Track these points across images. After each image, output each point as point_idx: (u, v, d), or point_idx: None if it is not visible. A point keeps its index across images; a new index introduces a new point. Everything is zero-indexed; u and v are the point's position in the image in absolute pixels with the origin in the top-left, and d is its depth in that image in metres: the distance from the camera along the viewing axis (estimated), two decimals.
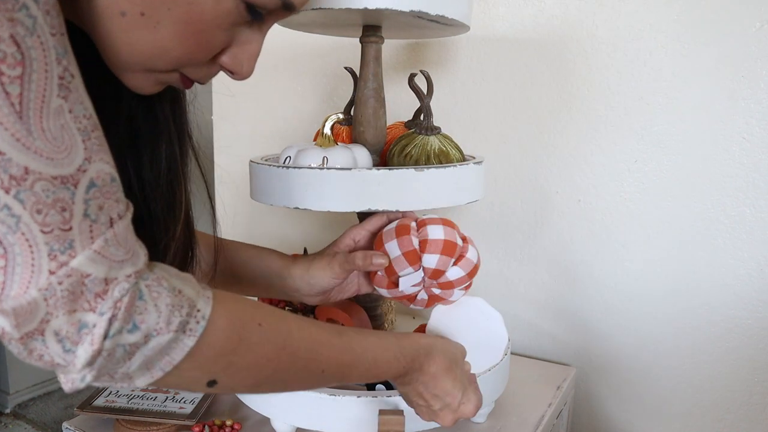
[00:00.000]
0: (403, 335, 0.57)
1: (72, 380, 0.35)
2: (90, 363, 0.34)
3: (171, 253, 0.54)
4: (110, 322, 0.33)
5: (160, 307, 0.36)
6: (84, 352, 0.33)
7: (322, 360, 0.47)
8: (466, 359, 0.64)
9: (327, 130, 0.73)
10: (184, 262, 0.57)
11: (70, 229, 0.32)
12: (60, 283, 0.32)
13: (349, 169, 0.66)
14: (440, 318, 0.73)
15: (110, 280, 0.34)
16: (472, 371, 0.64)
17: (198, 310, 0.38)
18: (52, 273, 0.31)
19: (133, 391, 0.79)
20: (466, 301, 0.73)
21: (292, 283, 0.70)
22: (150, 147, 0.51)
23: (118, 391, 0.79)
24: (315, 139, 0.82)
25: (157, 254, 0.54)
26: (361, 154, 0.73)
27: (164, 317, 0.36)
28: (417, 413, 0.60)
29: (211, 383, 0.40)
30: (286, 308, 0.78)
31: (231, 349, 0.40)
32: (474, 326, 0.73)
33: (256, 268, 0.72)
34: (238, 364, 0.41)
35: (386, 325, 0.89)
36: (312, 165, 0.69)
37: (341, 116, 0.76)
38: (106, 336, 0.33)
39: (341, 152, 0.70)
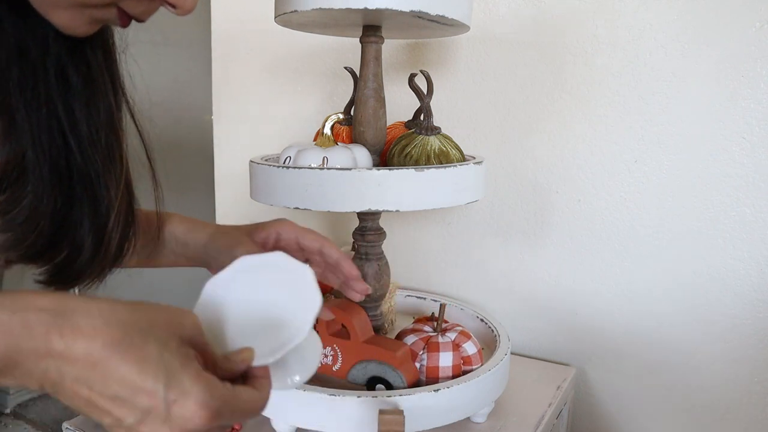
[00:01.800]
0: None
1: None
2: None
3: (114, 215, 0.50)
4: None
5: None
6: None
7: None
8: (252, 339, 0.43)
9: (327, 130, 0.74)
10: (126, 226, 0.53)
11: None
12: None
13: (349, 169, 0.66)
14: (218, 291, 0.46)
15: None
16: (264, 358, 0.41)
17: None
18: None
19: None
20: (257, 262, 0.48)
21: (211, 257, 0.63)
22: (84, 99, 0.47)
23: None
24: (315, 139, 0.82)
25: (99, 218, 0.50)
26: (361, 154, 0.73)
27: None
28: None
29: None
30: None
31: None
32: (269, 291, 0.47)
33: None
34: None
35: (386, 326, 0.89)
36: (312, 165, 0.69)
37: (341, 116, 0.76)
38: None
39: (341, 152, 0.70)
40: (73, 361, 0.32)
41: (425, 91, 0.76)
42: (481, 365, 0.75)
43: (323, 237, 0.63)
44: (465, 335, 0.77)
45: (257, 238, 0.63)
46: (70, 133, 0.47)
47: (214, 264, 0.62)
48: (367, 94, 0.76)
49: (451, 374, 0.73)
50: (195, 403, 0.33)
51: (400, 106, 1.05)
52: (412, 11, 0.64)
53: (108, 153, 0.49)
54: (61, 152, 0.47)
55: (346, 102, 0.84)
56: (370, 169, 0.66)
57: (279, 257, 0.47)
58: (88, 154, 0.47)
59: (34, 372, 0.32)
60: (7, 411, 2.09)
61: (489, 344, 0.86)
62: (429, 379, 0.73)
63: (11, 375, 0.31)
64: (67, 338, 0.31)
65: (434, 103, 1.01)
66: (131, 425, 0.33)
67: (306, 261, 0.62)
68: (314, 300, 0.45)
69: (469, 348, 0.76)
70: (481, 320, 0.91)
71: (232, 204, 1.34)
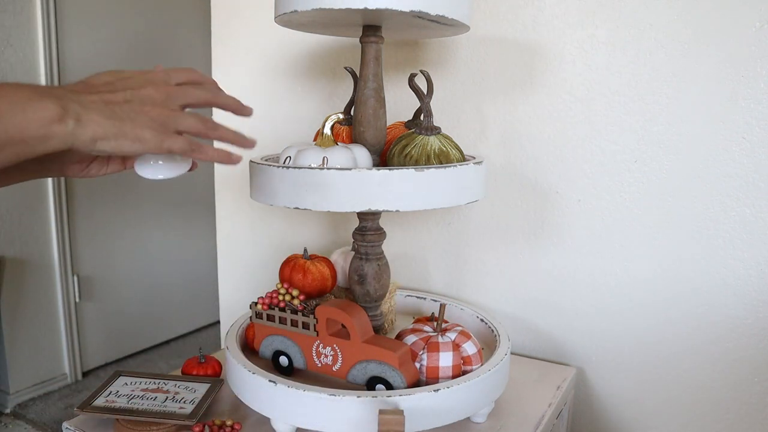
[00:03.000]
0: None
1: None
2: None
3: None
4: None
5: None
6: None
7: None
8: None
9: (327, 130, 0.74)
10: None
11: None
12: None
13: (349, 169, 0.66)
14: None
15: None
16: None
17: None
18: None
19: (133, 391, 0.79)
20: None
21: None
22: None
23: (118, 391, 0.79)
24: (315, 139, 0.82)
25: None
26: (361, 154, 0.73)
27: None
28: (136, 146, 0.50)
29: None
30: (286, 309, 0.78)
31: None
32: None
33: None
34: None
35: (386, 326, 0.89)
36: (312, 165, 0.69)
37: (341, 116, 0.76)
38: None
39: (341, 152, 0.70)
40: (93, 86, 0.50)
41: (425, 91, 0.76)
42: (481, 365, 0.75)
43: None
44: (465, 335, 0.77)
45: None
46: None
47: None
48: (367, 94, 0.76)
49: (451, 374, 0.73)
50: (156, 71, 0.54)
51: (400, 106, 1.05)
52: (412, 11, 0.64)
53: None
54: None
55: (346, 102, 0.84)
56: (370, 169, 0.66)
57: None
58: None
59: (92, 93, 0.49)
60: (7, 411, 2.09)
61: (489, 344, 0.86)
62: (429, 379, 0.73)
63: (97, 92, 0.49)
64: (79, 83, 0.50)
65: (434, 103, 1.02)
66: (138, 86, 0.51)
67: None
68: None
69: (469, 348, 0.76)
70: (481, 320, 0.91)
71: (233, 204, 1.34)
